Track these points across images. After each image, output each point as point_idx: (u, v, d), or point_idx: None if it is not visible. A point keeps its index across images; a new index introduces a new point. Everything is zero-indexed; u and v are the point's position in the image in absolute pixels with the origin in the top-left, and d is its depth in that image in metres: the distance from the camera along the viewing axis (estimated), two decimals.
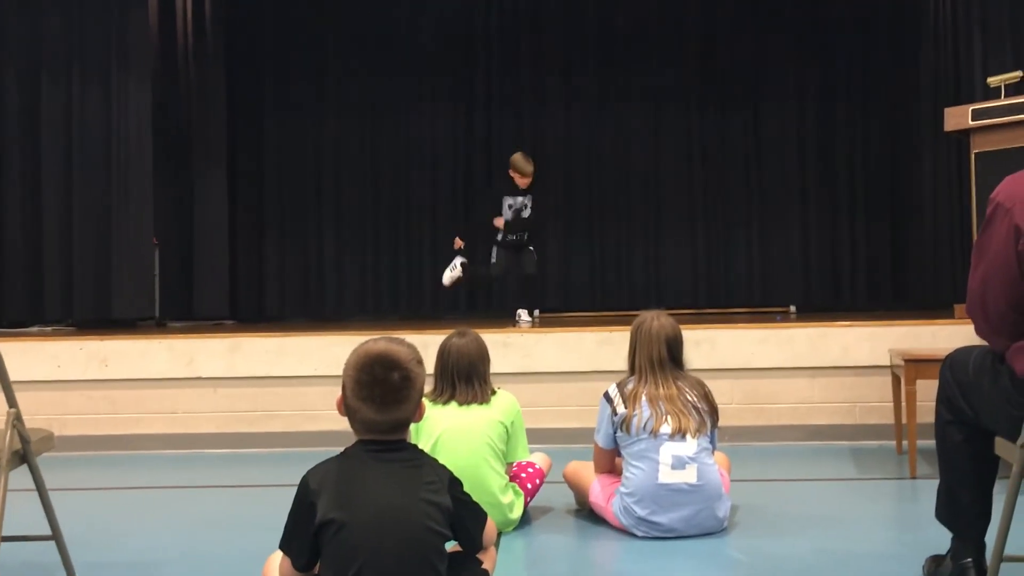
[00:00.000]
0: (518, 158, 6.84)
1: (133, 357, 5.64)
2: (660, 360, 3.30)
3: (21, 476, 2.64)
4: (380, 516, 1.89)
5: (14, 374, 2.59)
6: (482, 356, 3.40)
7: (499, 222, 6.87)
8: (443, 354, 3.39)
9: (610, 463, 3.46)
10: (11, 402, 2.54)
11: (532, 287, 7.17)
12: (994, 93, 5.54)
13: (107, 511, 3.97)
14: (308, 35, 9.45)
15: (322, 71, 9.49)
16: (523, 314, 6.86)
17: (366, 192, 9.53)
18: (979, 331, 2.41)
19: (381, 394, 1.94)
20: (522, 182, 6.80)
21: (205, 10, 8.61)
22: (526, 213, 6.86)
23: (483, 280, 7.47)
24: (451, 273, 7.02)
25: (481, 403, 3.33)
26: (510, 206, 6.88)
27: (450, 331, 3.49)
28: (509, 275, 7.18)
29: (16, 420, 2.54)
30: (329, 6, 9.31)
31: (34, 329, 6.99)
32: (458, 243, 7.09)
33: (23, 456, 2.59)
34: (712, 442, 3.33)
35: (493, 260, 7.01)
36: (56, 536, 2.73)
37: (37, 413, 4.95)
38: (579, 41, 9.40)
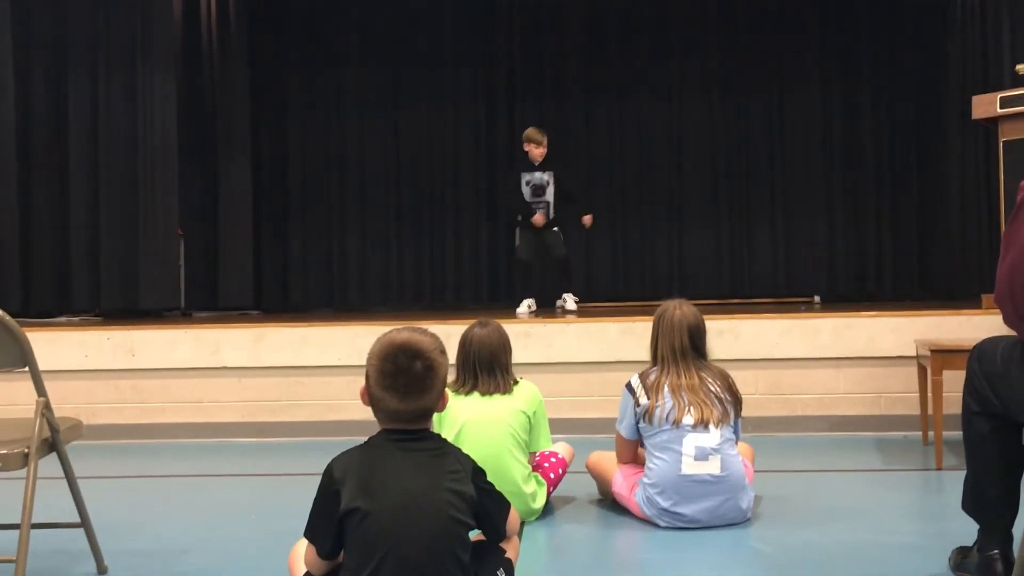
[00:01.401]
0: (529, 129, 6.81)
1: (160, 347, 5.70)
2: (682, 349, 3.28)
3: (50, 464, 2.68)
4: (404, 505, 1.90)
5: (42, 364, 2.62)
6: (504, 346, 3.39)
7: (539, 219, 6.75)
8: (465, 345, 3.38)
9: (633, 453, 3.45)
10: (40, 391, 2.58)
11: (568, 269, 7.08)
12: (1023, 80, 5.46)
13: (134, 499, 4.02)
14: (331, 27, 9.47)
15: (345, 62, 9.50)
16: (568, 299, 6.82)
17: (389, 183, 9.55)
18: (1007, 320, 2.38)
19: (405, 383, 1.95)
20: (535, 153, 6.71)
21: (229, 3, 8.65)
22: (549, 191, 6.78)
23: (523, 269, 7.21)
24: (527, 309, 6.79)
25: (504, 393, 3.33)
26: (527, 182, 6.80)
27: (472, 321, 3.49)
28: (537, 259, 7.01)
29: (45, 409, 2.57)
30: None
31: (62, 319, 7.07)
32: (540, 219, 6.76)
33: (52, 444, 2.63)
34: (736, 432, 3.31)
35: (517, 243, 6.92)
36: (85, 523, 2.77)
37: (65, 402, 5.00)
38: (601, 31, 9.36)
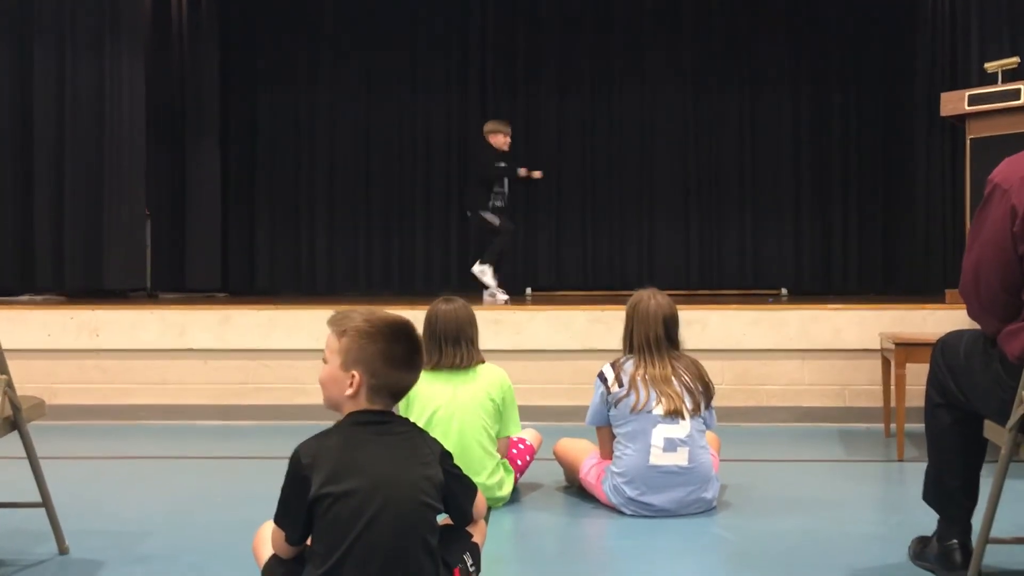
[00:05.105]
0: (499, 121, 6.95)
1: (124, 327, 5.63)
2: (656, 340, 3.28)
3: (12, 443, 2.64)
4: (374, 489, 1.89)
5: (4, 342, 2.59)
6: (470, 320, 3.35)
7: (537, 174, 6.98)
8: (431, 320, 3.33)
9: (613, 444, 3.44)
10: (2, 368, 2.54)
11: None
12: (991, 79, 5.53)
13: (97, 480, 3.97)
14: (303, 9, 9.39)
15: (317, 45, 9.43)
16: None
17: (359, 166, 9.49)
18: (971, 312, 2.42)
19: (418, 358, 2.06)
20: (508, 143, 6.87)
21: None
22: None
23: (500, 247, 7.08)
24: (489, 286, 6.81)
25: (469, 367, 3.29)
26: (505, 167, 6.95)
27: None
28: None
29: (7, 387, 2.53)
30: None
31: (24, 298, 6.96)
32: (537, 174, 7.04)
33: (14, 423, 2.59)
34: (708, 422, 3.32)
35: (500, 223, 6.89)
36: (46, 503, 2.74)
37: (28, 382, 4.92)
38: (574, 23, 9.36)
